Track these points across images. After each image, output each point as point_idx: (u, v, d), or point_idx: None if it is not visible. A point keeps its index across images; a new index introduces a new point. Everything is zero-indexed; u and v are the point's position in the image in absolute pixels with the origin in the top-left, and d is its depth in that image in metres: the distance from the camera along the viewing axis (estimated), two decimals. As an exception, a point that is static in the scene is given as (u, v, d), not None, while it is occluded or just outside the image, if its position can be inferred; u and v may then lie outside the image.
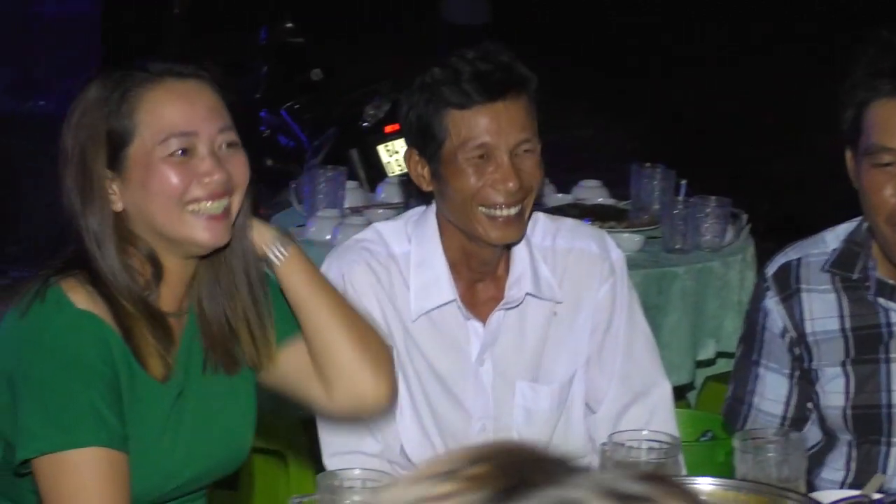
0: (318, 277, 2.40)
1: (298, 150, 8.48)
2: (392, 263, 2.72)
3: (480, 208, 2.62)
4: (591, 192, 4.55)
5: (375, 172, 6.86)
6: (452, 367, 2.72)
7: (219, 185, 2.25)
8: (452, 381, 2.72)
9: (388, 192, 4.65)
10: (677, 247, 4.11)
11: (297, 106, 8.57)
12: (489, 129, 2.60)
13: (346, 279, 2.71)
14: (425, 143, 2.65)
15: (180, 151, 2.24)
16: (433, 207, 2.74)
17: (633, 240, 4.08)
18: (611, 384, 2.78)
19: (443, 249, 2.70)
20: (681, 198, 4.26)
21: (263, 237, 2.36)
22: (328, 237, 4.13)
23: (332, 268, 2.72)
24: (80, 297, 2.19)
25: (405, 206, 4.39)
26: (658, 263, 4.04)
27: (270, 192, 8.30)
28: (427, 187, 2.69)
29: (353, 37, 11.68)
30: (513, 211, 2.63)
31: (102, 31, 7.49)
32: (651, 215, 4.29)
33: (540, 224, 2.77)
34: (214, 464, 2.36)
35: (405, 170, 7.25)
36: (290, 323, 2.41)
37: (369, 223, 4.20)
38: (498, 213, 2.62)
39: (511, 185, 2.60)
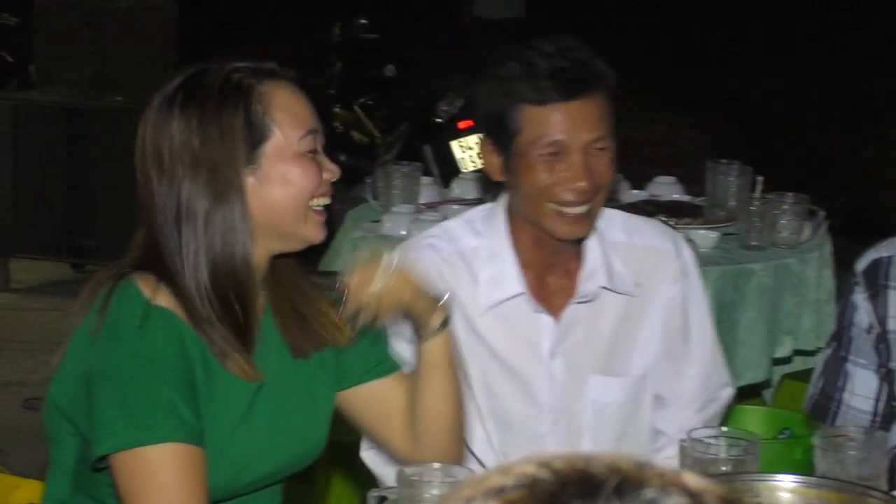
0: (453, 349, 2.41)
1: (371, 147, 8.51)
2: (458, 259, 2.72)
3: (549, 204, 2.61)
4: (667, 188, 4.52)
5: (449, 168, 6.86)
6: (522, 360, 2.72)
7: (332, 183, 2.33)
8: (523, 374, 2.72)
9: (463, 188, 4.66)
10: (754, 244, 4.08)
11: (371, 102, 8.60)
12: (563, 126, 2.59)
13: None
14: (499, 134, 2.64)
15: (311, 150, 2.28)
16: (502, 202, 2.74)
17: (709, 237, 4.06)
18: (684, 383, 2.77)
19: (512, 242, 2.70)
20: (757, 194, 4.23)
21: (424, 305, 2.36)
22: (403, 232, 4.14)
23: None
24: (155, 293, 2.20)
25: (480, 202, 4.39)
26: (734, 260, 4.01)
27: (344, 187, 8.35)
28: (498, 177, 2.69)
29: (423, 32, 11.68)
30: (582, 209, 2.62)
31: (180, 24, 7.53)
32: (727, 212, 4.26)
33: (614, 220, 2.76)
34: (291, 458, 2.37)
35: (478, 166, 7.26)
36: (389, 362, 2.45)
37: (444, 219, 4.21)
38: (567, 210, 2.61)
39: (582, 184, 2.59)
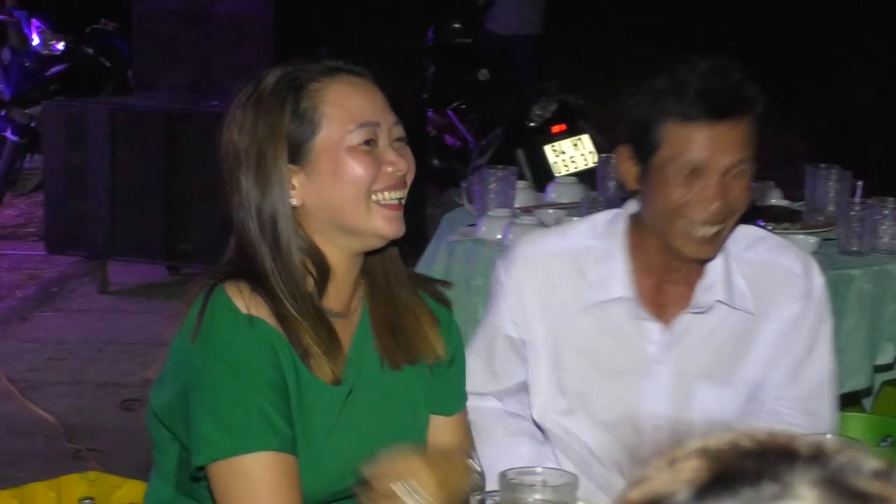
0: None
1: (464, 150, 8.53)
2: (567, 256, 2.72)
3: (680, 221, 2.59)
4: (765, 193, 4.49)
5: (541, 172, 6.86)
6: (624, 363, 2.70)
7: (400, 177, 2.27)
8: (623, 377, 2.71)
9: (559, 192, 4.64)
10: (853, 249, 4.03)
11: (464, 106, 8.62)
12: (706, 147, 2.55)
13: (508, 271, 2.73)
14: (640, 144, 2.61)
15: (366, 141, 2.25)
16: (627, 208, 2.72)
17: (808, 241, 4.02)
18: (793, 408, 2.74)
19: (628, 247, 2.69)
20: (857, 199, 4.18)
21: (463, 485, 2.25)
22: (499, 237, 4.13)
23: (514, 258, 2.75)
24: (246, 302, 2.18)
25: (576, 206, 4.38)
26: (834, 266, 3.97)
27: (436, 191, 8.36)
28: (633, 186, 2.67)
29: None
30: (712, 230, 2.59)
31: (276, 30, 7.57)
32: (826, 217, 4.22)
33: (741, 234, 2.72)
34: None
35: (570, 170, 7.24)
36: (447, 402, 2.42)
37: (540, 223, 4.21)
38: (697, 230, 2.58)
39: (716, 206, 2.55)
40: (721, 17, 12.65)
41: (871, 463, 0.97)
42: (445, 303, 2.43)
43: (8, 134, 8.77)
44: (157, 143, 7.24)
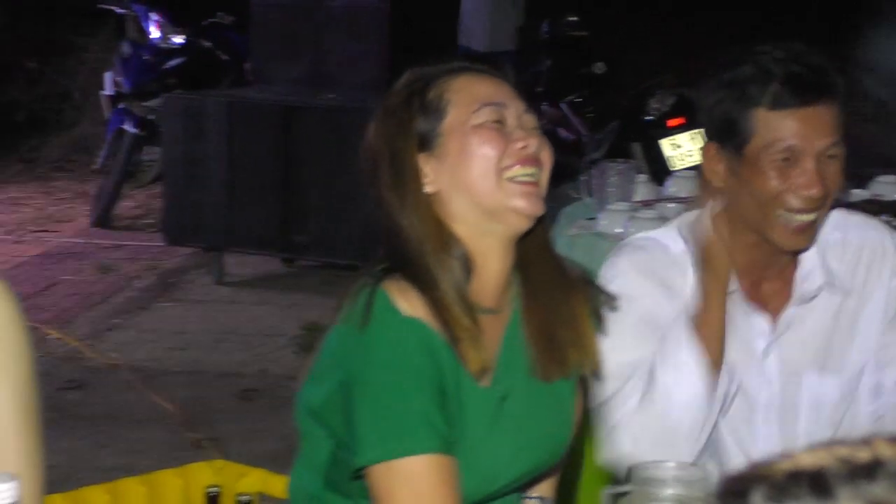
0: None
1: (578, 144, 8.50)
2: (671, 261, 2.71)
3: (779, 211, 2.58)
4: (890, 187, 4.43)
5: (658, 166, 6.82)
6: (735, 357, 2.69)
7: (532, 153, 2.24)
8: (734, 372, 2.70)
9: (678, 186, 4.61)
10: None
11: (579, 99, 8.59)
12: (798, 132, 2.55)
13: (622, 275, 2.72)
14: (727, 139, 2.61)
15: (493, 120, 2.25)
16: (709, 208, 2.71)
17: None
18: None
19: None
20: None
21: None
22: (619, 230, 4.12)
23: (609, 267, 2.75)
24: (406, 303, 2.18)
25: (695, 200, 4.35)
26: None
27: (552, 185, 8.35)
28: (719, 183, 2.66)
29: (634, 30, 11.64)
30: (810, 217, 2.58)
31: (392, 23, 7.60)
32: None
33: (830, 218, 2.72)
34: (534, 466, 2.36)
35: (687, 164, 7.19)
36: None
37: (660, 217, 4.18)
38: (795, 218, 2.58)
39: (814, 191, 2.55)
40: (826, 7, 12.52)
41: None
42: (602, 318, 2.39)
43: (127, 126, 8.89)
44: (274, 136, 7.30)
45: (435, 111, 2.25)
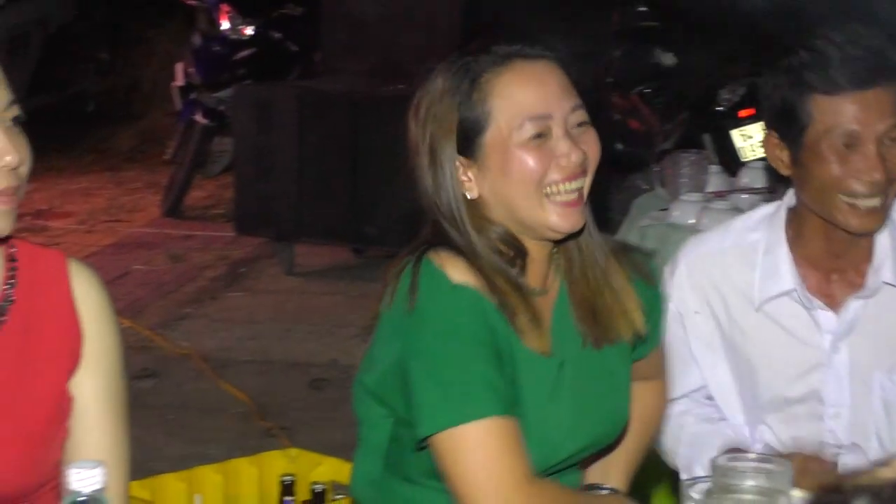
0: None
1: (648, 135, 8.45)
2: (738, 252, 2.70)
3: (841, 196, 2.55)
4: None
5: (729, 157, 6.77)
6: (801, 354, 2.66)
7: (576, 167, 2.25)
8: (802, 369, 2.67)
9: (751, 177, 4.58)
10: None
11: (649, 90, 8.54)
12: (856, 116, 2.52)
13: (687, 271, 2.72)
14: (787, 126, 2.58)
15: (536, 135, 2.24)
16: (786, 198, 2.69)
17: None
18: None
19: (788, 238, 2.65)
20: None
21: None
22: (691, 221, 4.10)
23: (677, 262, 2.74)
24: (456, 271, 2.20)
25: (769, 191, 4.32)
26: None
27: (621, 176, 8.32)
28: (785, 171, 2.63)
29: (703, 20, 11.54)
30: (874, 202, 2.55)
31: (463, 13, 7.58)
32: None
33: None
34: (594, 439, 2.36)
35: (758, 155, 7.13)
36: (644, 346, 2.44)
37: (734, 207, 4.16)
38: (859, 202, 2.54)
39: (876, 175, 2.52)
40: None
41: None
42: (647, 276, 2.41)
43: (197, 117, 8.93)
44: (344, 127, 7.31)
45: (478, 116, 2.24)
